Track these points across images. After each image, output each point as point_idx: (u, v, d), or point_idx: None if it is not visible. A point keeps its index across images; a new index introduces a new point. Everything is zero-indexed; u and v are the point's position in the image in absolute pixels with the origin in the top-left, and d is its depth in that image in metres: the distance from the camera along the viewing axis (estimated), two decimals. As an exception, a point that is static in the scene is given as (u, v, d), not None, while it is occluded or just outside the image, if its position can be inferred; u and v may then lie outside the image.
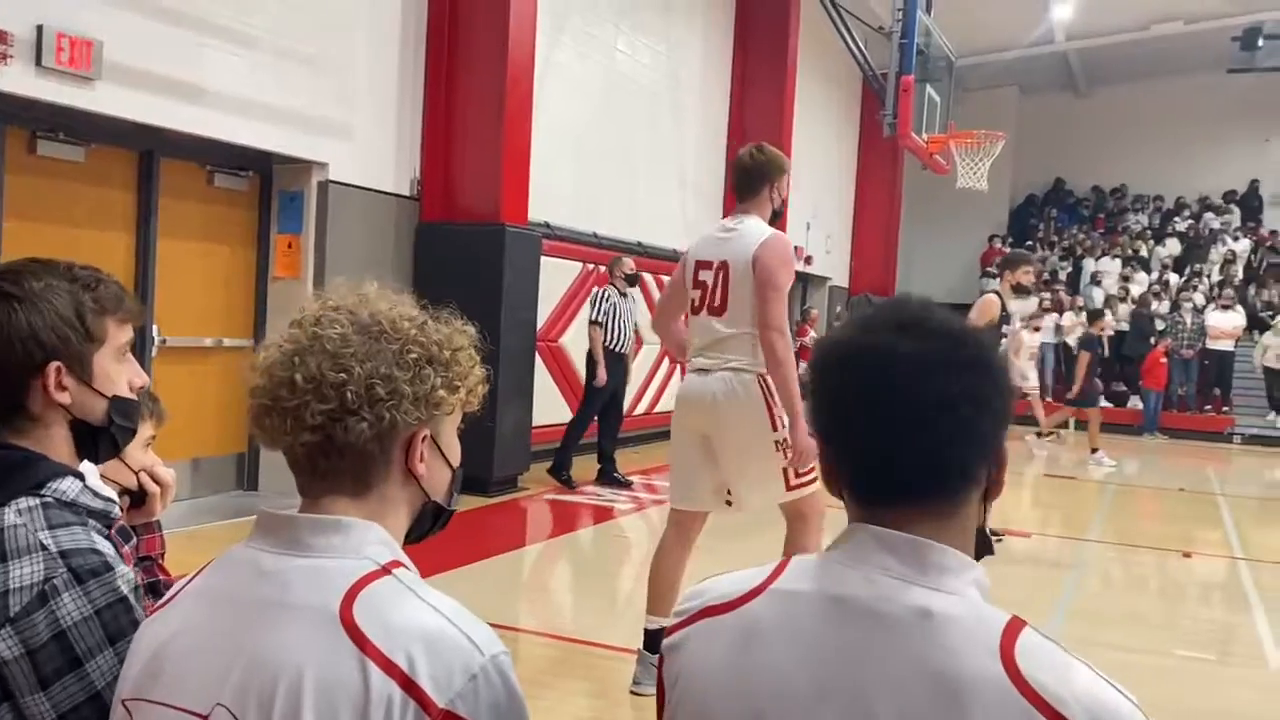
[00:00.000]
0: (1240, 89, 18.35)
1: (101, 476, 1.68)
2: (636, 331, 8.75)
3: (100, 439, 1.48)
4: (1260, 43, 16.61)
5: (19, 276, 1.40)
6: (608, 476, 8.80)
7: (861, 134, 17.41)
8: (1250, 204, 20.28)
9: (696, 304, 4.06)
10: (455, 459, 1.28)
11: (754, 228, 4.07)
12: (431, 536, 1.30)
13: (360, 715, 1.04)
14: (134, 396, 1.52)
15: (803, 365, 14.38)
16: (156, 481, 1.77)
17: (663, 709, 1.18)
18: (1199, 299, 16.83)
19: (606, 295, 8.56)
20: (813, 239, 15.47)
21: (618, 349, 8.57)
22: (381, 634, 1.07)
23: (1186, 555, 7.22)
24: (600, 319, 8.44)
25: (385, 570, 1.14)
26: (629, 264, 8.80)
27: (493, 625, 1.15)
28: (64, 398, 1.41)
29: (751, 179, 4.20)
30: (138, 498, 1.75)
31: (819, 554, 1.14)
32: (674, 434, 4.12)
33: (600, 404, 8.73)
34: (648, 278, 11.31)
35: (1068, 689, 0.97)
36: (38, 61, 5.38)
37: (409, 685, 1.05)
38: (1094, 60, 19.35)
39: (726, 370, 3.90)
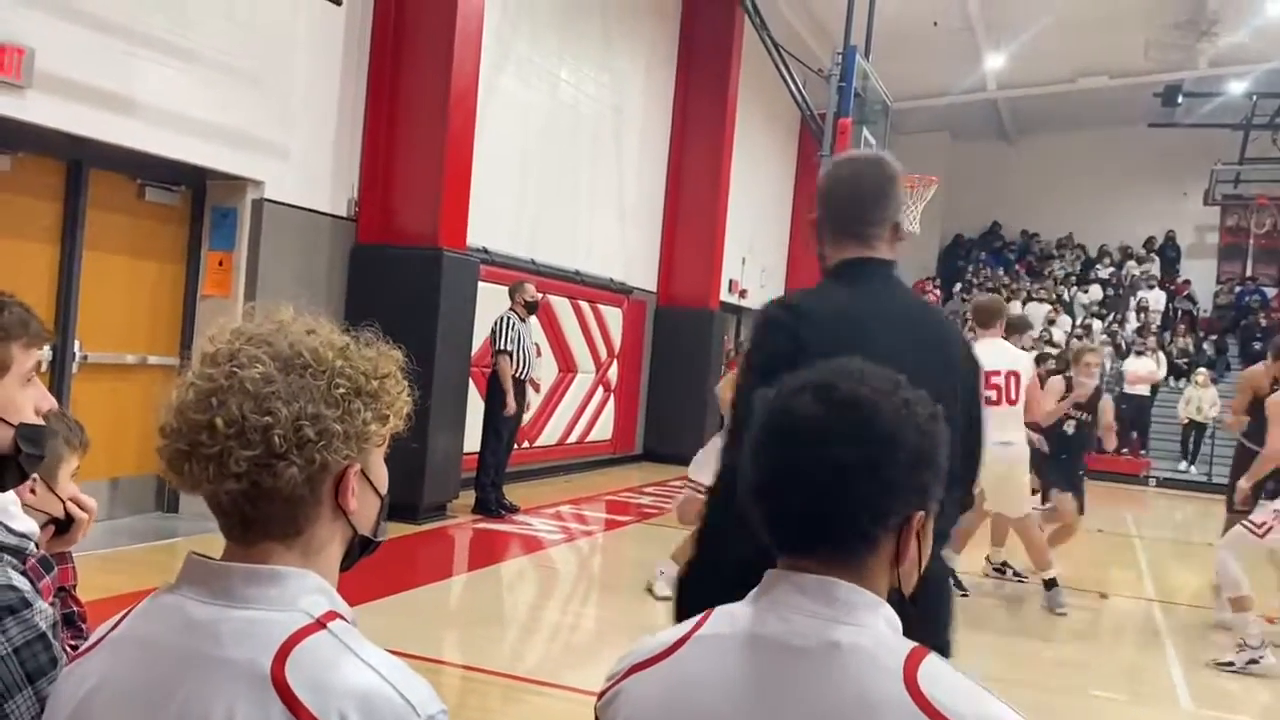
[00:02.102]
0: (1161, 143, 19.11)
1: (27, 507, 1.64)
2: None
3: (6, 468, 1.43)
4: (1180, 100, 17.34)
5: None
6: (490, 505, 8.54)
7: (798, 171, 17.70)
8: (1168, 254, 21.04)
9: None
10: (383, 487, 1.23)
11: None
12: (356, 564, 1.25)
13: None
14: (41, 421, 1.47)
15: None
16: (82, 509, 1.73)
17: None
18: (1117, 345, 17.38)
19: (510, 322, 8.40)
20: (748, 272, 15.65)
21: (522, 376, 8.51)
22: (313, 695, 1.03)
23: (1103, 596, 7.40)
24: (508, 347, 8.32)
25: (320, 624, 1.09)
26: (531, 289, 8.67)
27: (418, 658, 1.14)
28: None
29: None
30: (62, 526, 1.72)
31: (741, 601, 1.21)
32: None
33: (512, 432, 8.68)
34: (583, 305, 11.35)
35: (969, 708, 1.06)
36: (-35, 67, 5.24)
37: None
38: (1023, 109, 19.97)
39: None
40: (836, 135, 10.58)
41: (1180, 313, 19.42)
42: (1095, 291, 20.09)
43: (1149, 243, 21.09)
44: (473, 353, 8.59)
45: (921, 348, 2.11)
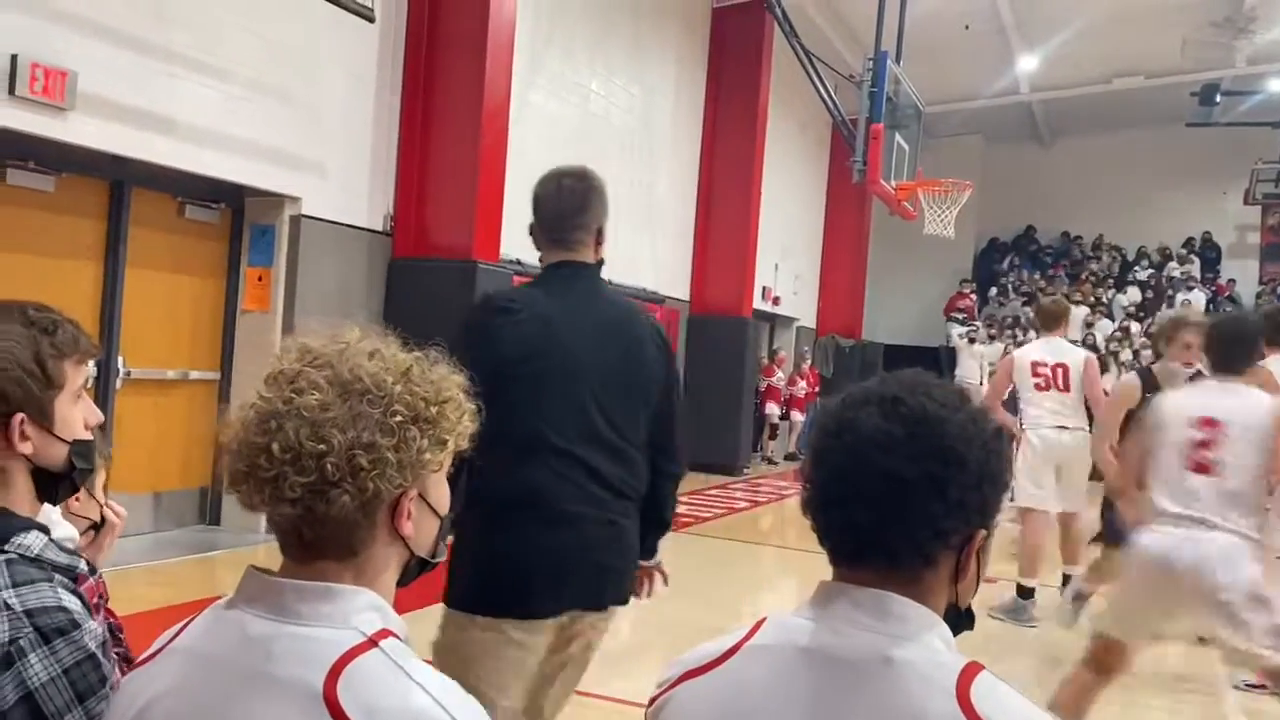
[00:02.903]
0: (1198, 143, 18.83)
1: (68, 513, 1.68)
2: None
3: (60, 484, 1.46)
4: (1217, 98, 17.07)
5: None
6: None
7: (830, 178, 17.65)
8: (1208, 255, 20.73)
9: None
10: (443, 509, 1.23)
11: None
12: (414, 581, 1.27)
13: None
14: (90, 436, 1.50)
15: (770, 406, 14.29)
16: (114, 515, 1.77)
17: None
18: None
19: None
20: (781, 279, 15.62)
21: None
22: (364, 716, 1.03)
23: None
24: None
25: (372, 642, 1.09)
26: None
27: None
28: (26, 448, 1.39)
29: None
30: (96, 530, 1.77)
31: (793, 611, 1.21)
32: None
33: None
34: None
35: None
36: (11, 91, 5.37)
37: None
38: (1057, 111, 19.77)
39: None
40: (869, 141, 10.54)
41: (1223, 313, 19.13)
42: (1133, 293, 19.84)
43: (1188, 243, 20.79)
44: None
45: (612, 342, 2.43)
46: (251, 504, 1.12)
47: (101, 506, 1.76)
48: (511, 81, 8.45)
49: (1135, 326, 18.45)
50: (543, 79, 9.80)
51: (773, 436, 15.68)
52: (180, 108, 6.33)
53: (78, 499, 1.70)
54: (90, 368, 1.53)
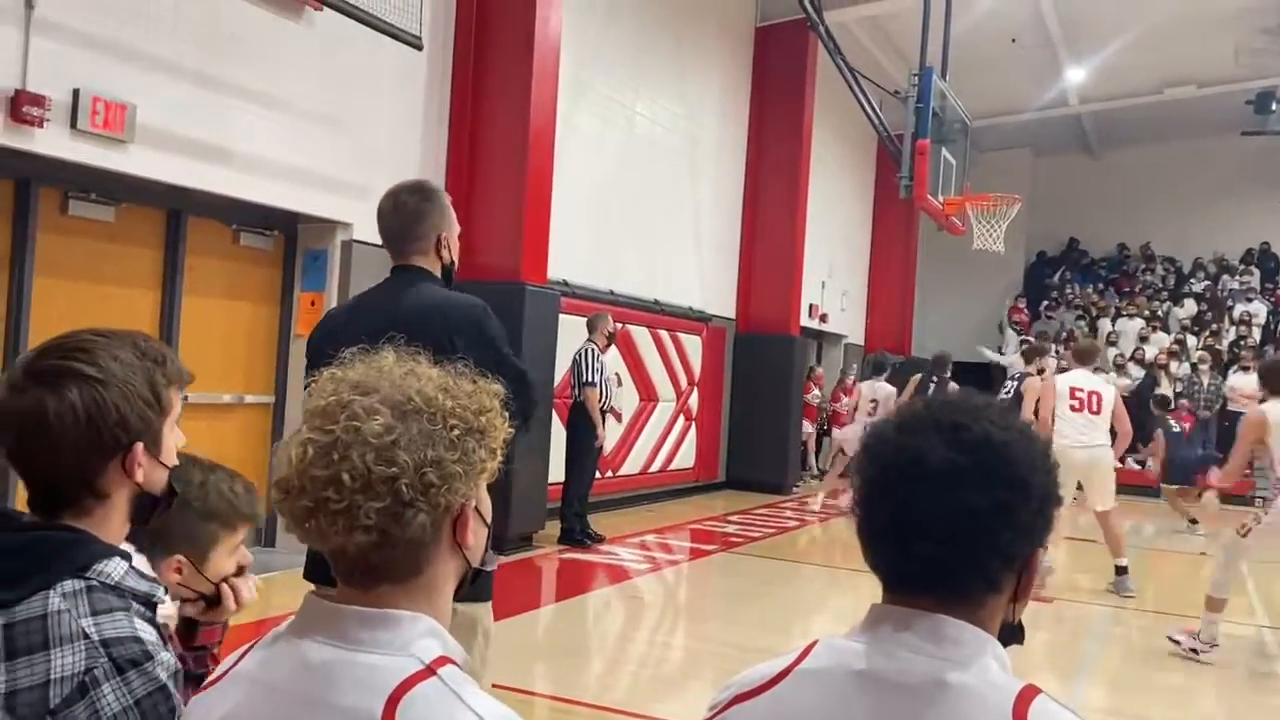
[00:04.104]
0: (1253, 151, 18.45)
1: (174, 588, 1.67)
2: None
3: (158, 506, 1.50)
4: (1274, 106, 16.74)
5: (93, 356, 1.39)
6: (576, 535, 8.60)
7: (877, 194, 17.56)
8: (1266, 265, 20.27)
9: None
10: (489, 516, 1.25)
11: None
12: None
13: None
14: (178, 462, 1.55)
15: (805, 424, 14.28)
16: (236, 599, 1.75)
17: None
18: (1217, 360, 16.75)
19: (593, 354, 8.51)
20: (828, 296, 15.55)
21: (605, 407, 8.59)
22: None
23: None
24: (593, 378, 8.42)
25: (430, 670, 1.10)
26: (611, 321, 8.81)
27: (507, 689, 1.16)
28: (140, 475, 1.43)
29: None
30: (212, 600, 1.73)
31: (844, 635, 1.20)
32: None
33: (595, 461, 8.75)
34: (663, 334, 11.39)
35: None
36: (73, 124, 5.53)
37: None
38: (1107, 123, 19.50)
39: None
40: (915, 156, 10.48)
41: (1284, 325, 18.66)
42: (1190, 306, 19.43)
43: (1247, 255, 20.35)
44: (555, 385, 8.70)
45: (405, 324, 2.42)
46: (323, 538, 1.12)
47: (219, 585, 1.73)
48: (557, 104, 8.53)
49: (1191, 340, 18.07)
50: (587, 101, 9.89)
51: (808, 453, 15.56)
52: (235, 137, 6.48)
53: (179, 571, 1.70)
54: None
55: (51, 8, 5.43)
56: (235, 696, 1.17)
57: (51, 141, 5.48)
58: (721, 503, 12.01)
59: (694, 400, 12.24)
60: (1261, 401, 6.26)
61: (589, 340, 8.62)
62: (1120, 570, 7.82)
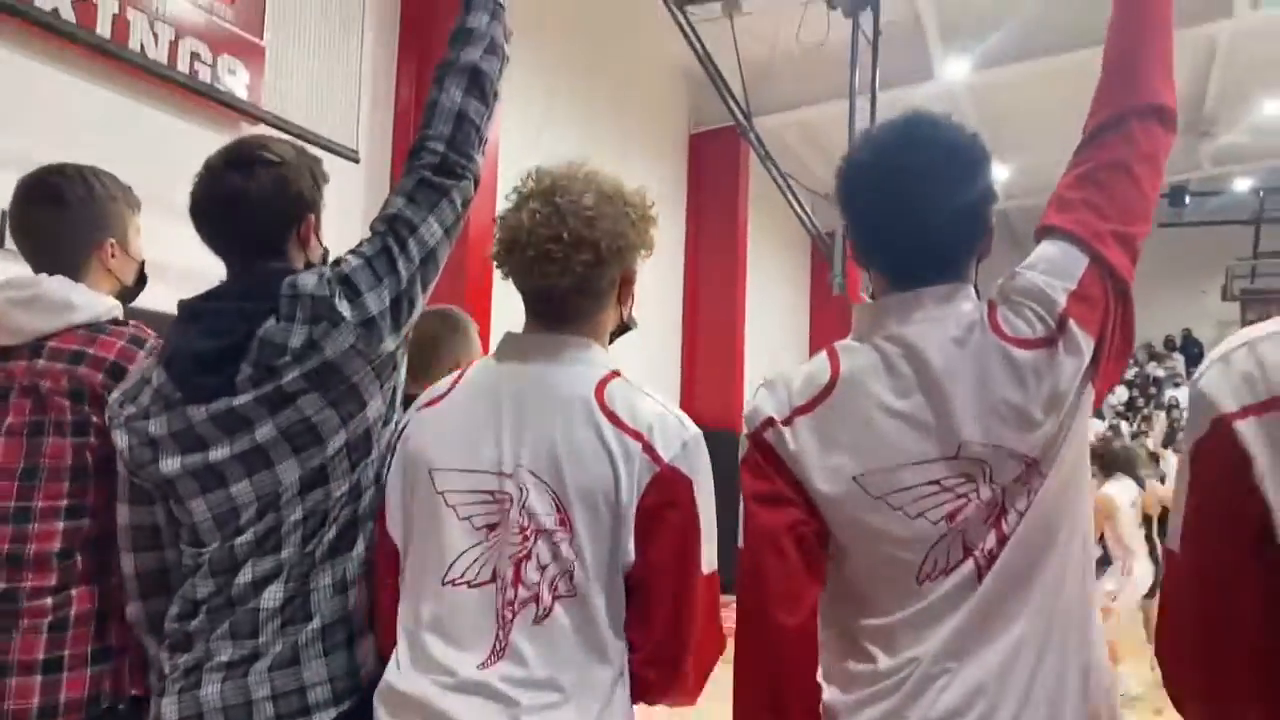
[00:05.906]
0: (1173, 243, 19.22)
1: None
2: None
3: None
4: (1186, 199, 17.52)
5: (269, 149, 1.77)
6: None
7: (813, 289, 17.92)
8: (1190, 351, 20.95)
9: None
10: (635, 283, 1.72)
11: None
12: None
13: (612, 466, 1.51)
14: None
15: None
16: None
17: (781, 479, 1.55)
18: (1149, 444, 17.15)
19: None
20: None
21: None
22: (627, 413, 1.56)
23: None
24: None
25: (617, 373, 1.63)
26: None
27: None
28: (312, 242, 1.80)
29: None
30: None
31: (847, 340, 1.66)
32: None
33: None
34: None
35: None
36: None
37: (648, 447, 1.54)
38: (1033, 217, 20.00)
39: None
40: (846, 255, 10.76)
41: (1211, 409, 19.16)
42: (1121, 392, 19.96)
43: (1168, 341, 21.02)
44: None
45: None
46: (544, 277, 1.58)
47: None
48: (496, 201, 8.61)
49: (1124, 426, 18.51)
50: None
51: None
52: (173, 255, 6.44)
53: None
54: None
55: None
56: (462, 404, 1.64)
57: None
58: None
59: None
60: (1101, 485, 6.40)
61: None
62: None
